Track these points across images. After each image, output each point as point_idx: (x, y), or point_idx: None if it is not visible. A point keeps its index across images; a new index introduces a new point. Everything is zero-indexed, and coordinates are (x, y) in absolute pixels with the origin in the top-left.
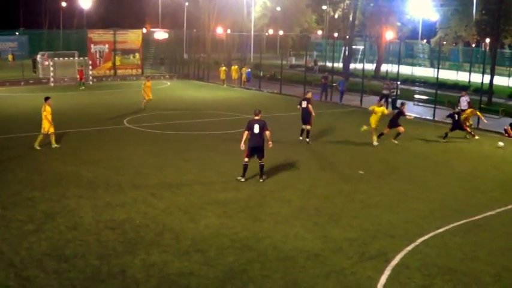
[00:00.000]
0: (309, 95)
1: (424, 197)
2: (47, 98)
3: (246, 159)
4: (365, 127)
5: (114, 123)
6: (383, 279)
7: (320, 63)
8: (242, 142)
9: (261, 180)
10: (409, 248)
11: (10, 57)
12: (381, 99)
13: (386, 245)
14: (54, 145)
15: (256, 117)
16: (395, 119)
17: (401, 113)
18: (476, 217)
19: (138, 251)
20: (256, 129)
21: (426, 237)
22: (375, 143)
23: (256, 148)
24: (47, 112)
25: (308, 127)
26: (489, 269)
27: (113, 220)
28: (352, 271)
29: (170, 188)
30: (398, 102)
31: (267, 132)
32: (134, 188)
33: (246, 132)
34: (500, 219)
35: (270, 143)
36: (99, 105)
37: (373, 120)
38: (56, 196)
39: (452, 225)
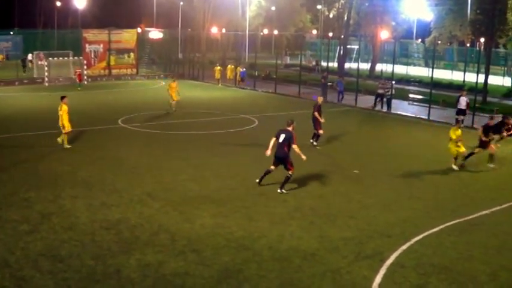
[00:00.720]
0: (318, 100)
1: (419, 197)
2: (63, 97)
3: (271, 167)
4: (454, 166)
5: (109, 123)
6: (378, 279)
7: (312, 62)
8: (268, 149)
9: (278, 191)
10: (405, 247)
11: (0, 57)
12: (376, 99)
13: (382, 244)
14: (59, 141)
15: (288, 128)
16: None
17: (488, 128)
18: (472, 216)
19: (133, 251)
20: (281, 138)
21: (421, 236)
22: (454, 166)
23: (278, 158)
24: (63, 111)
25: (319, 132)
26: (485, 268)
27: (108, 220)
28: (348, 270)
29: (166, 187)
30: (485, 117)
31: (294, 147)
32: (129, 187)
33: (273, 139)
34: (495, 218)
35: (303, 157)
36: (94, 105)
37: (454, 146)
38: (51, 196)
39: (447, 224)
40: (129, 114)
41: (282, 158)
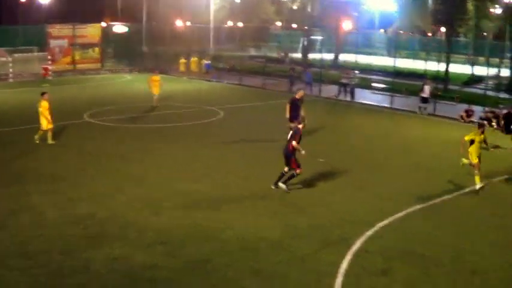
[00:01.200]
0: (297, 94)
1: (384, 183)
2: (43, 93)
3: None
4: (465, 161)
5: (75, 118)
6: (344, 264)
7: (277, 54)
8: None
9: (272, 187)
10: (370, 233)
11: None
12: (340, 88)
13: (348, 230)
14: (50, 142)
15: (298, 125)
16: None
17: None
18: (435, 201)
19: (102, 245)
20: (289, 135)
21: (386, 221)
22: (478, 185)
23: (284, 155)
24: (43, 108)
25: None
26: (447, 251)
27: (76, 215)
28: (314, 257)
29: (133, 181)
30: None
31: (293, 143)
32: (97, 182)
33: None
34: (457, 202)
35: (302, 152)
36: (59, 100)
37: (474, 151)
38: (17, 192)
39: (411, 209)
40: (95, 109)
41: (284, 155)
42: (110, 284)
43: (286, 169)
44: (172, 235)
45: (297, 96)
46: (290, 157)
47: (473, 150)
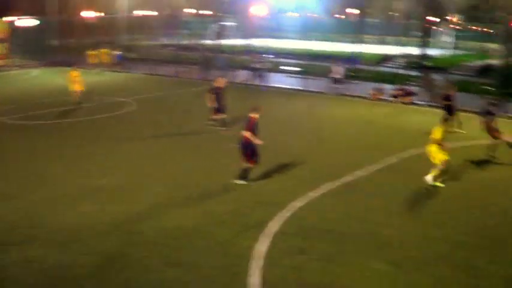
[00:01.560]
0: (219, 83)
1: (299, 165)
2: None
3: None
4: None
5: None
6: (264, 247)
7: (189, 41)
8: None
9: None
10: (287, 214)
11: None
12: (252, 73)
13: (266, 214)
14: None
15: (249, 114)
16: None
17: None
18: (349, 178)
19: (14, 247)
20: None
21: (302, 202)
22: (429, 179)
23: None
24: None
25: (214, 117)
26: (364, 226)
27: None
28: (234, 242)
29: (43, 179)
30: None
31: (246, 134)
32: (4, 183)
33: None
34: (370, 179)
35: (258, 142)
36: None
37: (437, 150)
38: None
39: (326, 188)
40: (2, 107)
41: (240, 145)
42: (27, 286)
43: (248, 164)
44: (87, 231)
45: (219, 85)
46: (245, 149)
47: (432, 148)
